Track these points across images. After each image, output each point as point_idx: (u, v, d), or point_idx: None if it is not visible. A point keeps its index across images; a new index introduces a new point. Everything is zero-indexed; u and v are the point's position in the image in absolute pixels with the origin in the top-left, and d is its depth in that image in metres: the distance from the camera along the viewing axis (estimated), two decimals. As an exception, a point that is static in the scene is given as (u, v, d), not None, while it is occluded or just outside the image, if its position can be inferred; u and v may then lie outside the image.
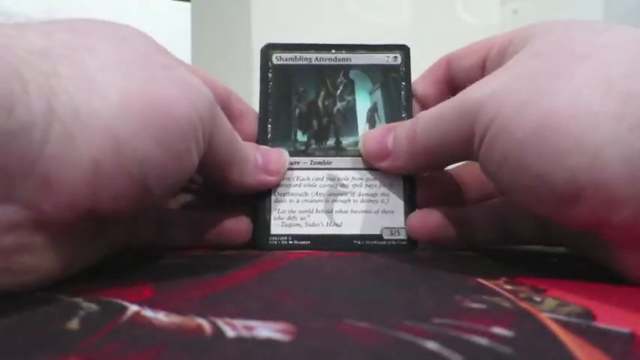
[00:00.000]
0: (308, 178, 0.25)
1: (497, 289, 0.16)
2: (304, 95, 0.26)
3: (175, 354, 0.10)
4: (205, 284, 0.16)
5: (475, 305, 0.14)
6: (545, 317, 0.13)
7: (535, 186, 0.16)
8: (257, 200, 0.25)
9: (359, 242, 0.24)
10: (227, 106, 0.25)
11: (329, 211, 0.25)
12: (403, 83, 0.26)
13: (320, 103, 0.26)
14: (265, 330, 0.11)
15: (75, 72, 0.15)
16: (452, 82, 0.25)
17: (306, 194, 0.25)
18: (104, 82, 0.15)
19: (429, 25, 0.64)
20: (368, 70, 0.26)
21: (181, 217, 0.25)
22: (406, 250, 0.24)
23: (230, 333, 0.11)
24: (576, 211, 0.16)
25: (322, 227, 0.24)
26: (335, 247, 0.24)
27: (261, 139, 0.25)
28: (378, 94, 0.26)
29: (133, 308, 0.13)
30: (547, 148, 0.16)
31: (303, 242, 0.24)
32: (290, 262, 0.21)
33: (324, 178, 0.25)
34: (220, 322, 0.12)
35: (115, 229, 0.20)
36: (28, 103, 0.13)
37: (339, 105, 0.26)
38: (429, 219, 0.23)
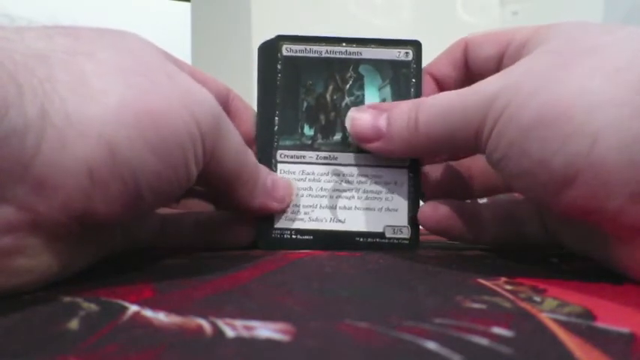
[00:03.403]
0: (313, 173, 0.25)
1: (497, 289, 0.16)
2: (312, 88, 0.26)
3: (175, 354, 0.10)
4: (206, 285, 0.16)
5: (475, 305, 0.14)
6: (545, 317, 0.13)
7: (535, 171, 0.17)
8: None
9: (361, 239, 0.24)
10: (226, 103, 0.25)
11: (333, 207, 0.25)
12: (413, 80, 0.25)
13: (328, 97, 0.25)
14: (265, 330, 0.11)
15: (71, 77, 0.15)
16: (468, 66, 0.25)
17: (310, 189, 0.25)
18: (100, 88, 0.15)
19: (429, 25, 0.64)
20: (378, 65, 0.26)
21: (185, 217, 0.25)
22: (408, 248, 0.24)
23: (230, 333, 0.11)
24: (573, 196, 0.16)
25: (325, 223, 0.24)
26: (337, 243, 0.24)
27: (268, 131, 0.25)
28: (388, 90, 0.26)
29: (133, 308, 0.13)
30: (549, 134, 0.16)
31: (305, 237, 0.24)
32: (290, 262, 0.21)
33: (329, 174, 0.25)
34: (220, 323, 0.12)
35: (114, 232, 0.20)
36: (21, 106, 0.13)
37: (347, 100, 0.25)
38: (440, 209, 0.24)
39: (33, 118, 0.13)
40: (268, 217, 0.24)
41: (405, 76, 0.25)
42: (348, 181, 0.25)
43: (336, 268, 0.19)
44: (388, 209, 0.24)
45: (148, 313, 0.13)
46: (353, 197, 0.25)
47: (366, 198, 0.25)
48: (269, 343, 0.11)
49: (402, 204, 0.24)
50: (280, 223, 0.24)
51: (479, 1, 0.66)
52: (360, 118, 0.23)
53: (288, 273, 0.18)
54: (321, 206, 0.25)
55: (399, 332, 0.11)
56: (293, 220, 0.24)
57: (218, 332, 0.11)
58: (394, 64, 0.26)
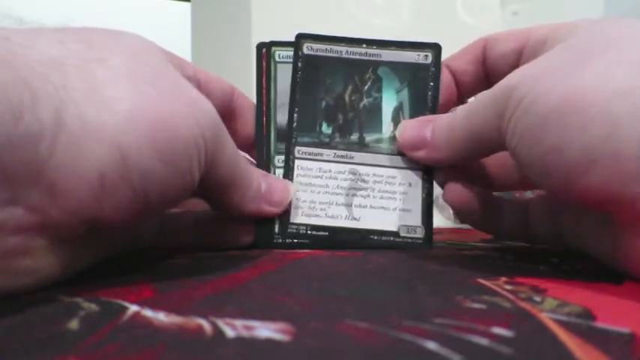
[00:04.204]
0: (330, 171, 0.25)
1: (497, 289, 0.16)
2: (332, 88, 0.26)
3: (175, 354, 0.10)
4: (206, 284, 0.16)
5: (475, 305, 0.14)
6: (545, 317, 0.13)
7: (549, 157, 0.17)
8: None
9: (375, 237, 0.25)
10: (230, 102, 0.25)
11: (348, 205, 0.25)
12: (431, 84, 0.26)
13: (347, 97, 0.26)
14: (265, 330, 0.11)
15: (85, 84, 0.15)
16: (486, 63, 0.25)
17: (327, 186, 0.25)
18: (113, 95, 0.15)
19: (429, 25, 0.64)
20: (397, 67, 0.26)
21: (185, 217, 0.25)
22: (422, 247, 0.24)
23: (230, 333, 0.11)
24: (588, 183, 0.16)
25: (341, 220, 0.25)
26: (352, 240, 0.24)
27: (287, 127, 0.26)
28: (405, 93, 0.26)
29: (133, 308, 0.13)
30: (567, 121, 0.16)
31: (321, 233, 0.24)
32: (290, 262, 0.21)
33: (346, 172, 0.25)
34: (220, 323, 0.12)
35: (117, 233, 0.20)
36: (36, 112, 0.13)
37: (365, 101, 0.26)
38: (466, 190, 0.24)
39: (47, 123, 0.14)
40: (284, 212, 0.24)
41: (423, 79, 0.26)
42: (364, 180, 0.25)
43: (336, 268, 0.19)
44: (403, 209, 0.25)
45: (148, 313, 0.13)
46: (368, 196, 0.25)
47: (381, 197, 0.25)
48: (269, 343, 0.11)
49: (416, 204, 0.25)
50: (297, 219, 0.25)
51: (479, 1, 0.66)
52: (409, 127, 0.24)
53: (288, 273, 0.18)
54: (337, 203, 0.25)
55: (399, 332, 0.11)
56: (309, 215, 0.25)
57: (218, 332, 0.11)
58: (413, 67, 0.26)
